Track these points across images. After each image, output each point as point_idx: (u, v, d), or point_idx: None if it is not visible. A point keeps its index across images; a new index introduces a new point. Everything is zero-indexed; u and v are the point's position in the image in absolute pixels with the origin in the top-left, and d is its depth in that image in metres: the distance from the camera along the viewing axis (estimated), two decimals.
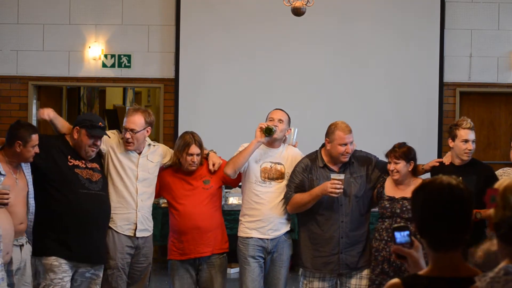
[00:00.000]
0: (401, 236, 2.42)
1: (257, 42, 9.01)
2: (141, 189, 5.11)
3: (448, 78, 9.07)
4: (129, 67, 9.21)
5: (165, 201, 6.01)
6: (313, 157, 5.06)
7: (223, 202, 5.79)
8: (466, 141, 4.98)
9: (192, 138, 5.16)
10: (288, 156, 5.21)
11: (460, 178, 4.67)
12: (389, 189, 4.96)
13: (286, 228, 5.22)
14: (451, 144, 5.07)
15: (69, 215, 4.82)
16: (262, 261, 5.17)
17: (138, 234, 5.09)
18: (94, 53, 9.14)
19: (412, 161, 4.93)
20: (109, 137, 5.11)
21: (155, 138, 8.77)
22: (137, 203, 5.09)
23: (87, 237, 4.86)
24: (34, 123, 8.60)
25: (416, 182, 4.89)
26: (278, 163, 5.18)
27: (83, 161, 4.96)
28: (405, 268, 2.47)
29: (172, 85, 9.15)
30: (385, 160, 5.03)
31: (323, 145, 5.06)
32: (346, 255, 4.95)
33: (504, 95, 9.22)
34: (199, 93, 9.06)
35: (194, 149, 5.13)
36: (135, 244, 5.11)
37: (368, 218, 5.08)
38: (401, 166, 4.90)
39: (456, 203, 2.31)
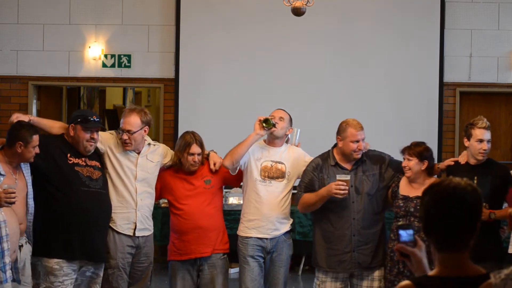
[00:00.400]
0: (405, 235, 2.43)
1: (257, 42, 9.01)
2: (140, 189, 5.11)
3: (448, 78, 9.07)
4: (129, 67, 9.22)
5: (165, 201, 6.01)
6: (324, 156, 5.05)
7: (223, 202, 5.79)
8: (481, 140, 4.93)
9: (193, 137, 5.17)
10: (290, 156, 5.21)
11: (476, 178, 4.67)
12: (404, 188, 4.94)
13: (286, 228, 5.22)
14: (466, 143, 5.03)
15: (70, 213, 4.83)
16: (262, 261, 5.17)
17: (137, 233, 5.09)
18: (94, 53, 9.15)
19: (426, 161, 4.90)
20: (105, 131, 5.12)
21: (155, 138, 8.76)
22: (136, 202, 5.09)
23: (88, 235, 4.86)
24: None
25: (430, 181, 4.89)
26: (279, 162, 5.18)
27: (83, 159, 4.96)
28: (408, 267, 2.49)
29: (172, 85, 9.15)
30: (399, 159, 5.02)
31: (335, 145, 5.06)
32: (359, 253, 4.91)
33: (504, 95, 9.23)
34: (199, 93, 9.06)
35: (195, 148, 5.13)
36: (136, 244, 5.11)
37: (382, 218, 5.04)
38: (414, 163, 4.88)
39: (459, 205, 2.31)
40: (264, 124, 5.05)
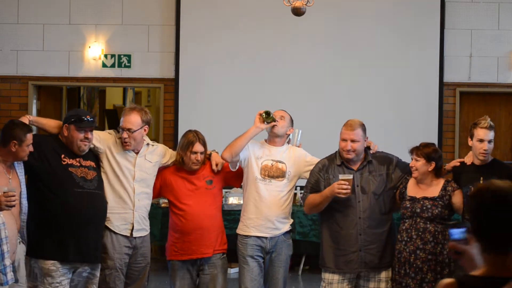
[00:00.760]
0: (457, 233, 2.44)
1: (257, 42, 9.02)
2: (138, 189, 5.10)
3: (448, 78, 9.08)
4: (129, 67, 9.22)
5: (165, 201, 6.00)
6: (331, 157, 5.05)
7: (223, 202, 5.80)
8: (481, 140, 4.91)
9: (196, 136, 5.17)
10: (291, 155, 5.21)
11: (481, 178, 4.66)
12: (411, 189, 4.94)
13: (286, 227, 5.21)
14: (470, 143, 5.03)
15: (63, 215, 4.78)
16: (261, 261, 5.16)
17: (135, 234, 5.08)
18: (94, 53, 9.15)
19: (433, 162, 4.89)
20: (99, 129, 5.11)
21: (155, 138, 8.78)
22: (134, 202, 5.08)
23: (83, 236, 4.82)
24: None
25: (438, 182, 4.90)
26: (280, 161, 5.18)
27: (78, 159, 4.92)
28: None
29: (172, 85, 9.16)
30: (407, 161, 5.03)
31: None
32: (365, 252, 4.89)
33: (504, 95, 9.23)
34: (199, 93, 9.06)
35: (198, 147, 5.13)
36: (133, 244, 5.09)
37: (390, 219, 5.02)
38: (420, 164, 4.88)
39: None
40: (264, 116, 5.05)
